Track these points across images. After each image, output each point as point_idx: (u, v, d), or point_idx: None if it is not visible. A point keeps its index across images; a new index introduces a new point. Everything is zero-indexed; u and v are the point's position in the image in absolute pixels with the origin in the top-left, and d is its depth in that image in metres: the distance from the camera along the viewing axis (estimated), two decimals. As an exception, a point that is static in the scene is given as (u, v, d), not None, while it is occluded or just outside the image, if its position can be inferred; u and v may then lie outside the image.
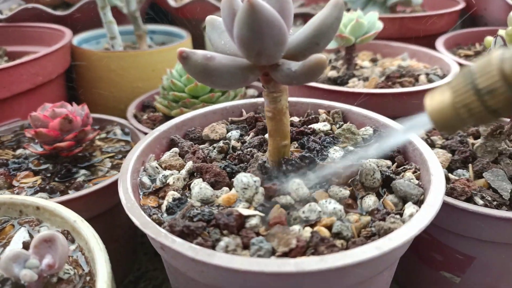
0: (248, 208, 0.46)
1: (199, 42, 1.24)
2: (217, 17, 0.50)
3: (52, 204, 0.50)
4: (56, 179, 0.65)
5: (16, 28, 1.12)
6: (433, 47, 1.04)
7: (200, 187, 0.48)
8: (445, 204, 0.54)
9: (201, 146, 0.60)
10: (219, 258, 0.36)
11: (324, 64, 0.41)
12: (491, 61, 0.32)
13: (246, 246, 0.40)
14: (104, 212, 0.65)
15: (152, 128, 0.79)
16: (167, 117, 0.82)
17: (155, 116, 0.83)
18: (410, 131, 0.43)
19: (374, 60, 1.02)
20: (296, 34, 0.46)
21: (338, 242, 0.41)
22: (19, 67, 0.78)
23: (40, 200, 0.51)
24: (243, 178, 0.46)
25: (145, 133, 0.77)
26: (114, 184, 0.64)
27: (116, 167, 0.71)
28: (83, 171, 0.67)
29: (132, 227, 0.80)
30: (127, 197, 0.46)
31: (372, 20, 0.86)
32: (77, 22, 1.13)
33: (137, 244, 0.86)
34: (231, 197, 0.47)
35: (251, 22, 0.38)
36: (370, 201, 0.47)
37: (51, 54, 0.86)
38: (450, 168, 0.62)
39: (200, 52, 0.43)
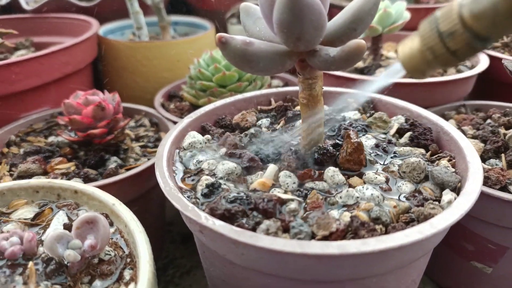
0: (285, 193, 0.46)
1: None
2: (252, 4, 0.51)
3: (90, 188, 0.51)
4: (89, 165, 0.66)
5: (42, 19, 1.13)
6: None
7: (223, 163, 0.49)
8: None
9: (232, 133, 0.60)
10: (262, 239, 0.37)
11: (363, 49, 0.41)
12: (452, 6, 0.35)
13: (286, 230, 0.41)
14: (135, 199, 0.66)
15: (180, 117, 0.79)
16: (194, 106, 0.83)
17: (182, 105, 0.84)
18: (387, 78, 0.46)
19: (399, 51, 1.00)
20: (332, 20, 0.46)
21: (378, 227, 0.41)
22: (50, 56, 0.79)
23: (78, 184, 0.52)
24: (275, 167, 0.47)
25: (174, 122, 0.77)
26: (146, 171, 0.65)
27: (146, 154, 0.72)
28: (114, 158, 0.68)
29: (160, 215, 0.81)
30: (164, 181, 0.47)
31: (399, 10, 0.85)
32: (102, 13, 1.14)
33: (164, 232, 0.87)
34: (266, 182, 0.48)
35: (292, 6, 0.38)
36: (406, 188, 0.47)
37: (80, 44, 0.87)
38: (482, 158, 0.62)
39: (239, 37, 0.43)
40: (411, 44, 0.39)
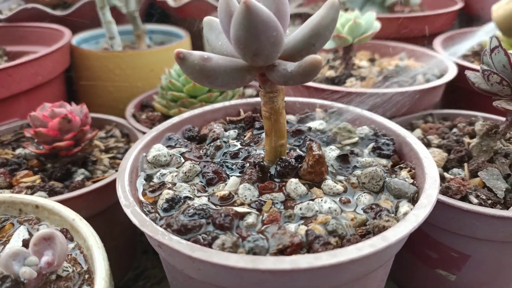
0: (243, 205, 0.46)
1: (198, 42, 1.25)
2: (215, 18, 0.51)
3: (51, 202, 0.51)
4: (55, 178, 0.66)
5: (15, 28, 1.13)
6: (431, 46, 1.05)
7: (185, 177, 0.50)
8: (440, 203, 0.54)
9: (199, 145, 0.60)
10: (215, 255, 0.37)
11: (319, 65, 0.42)
12: None
13: (242, 245, 0.41)
14: (103, 210, 0.65)
15: (151, 128, 0.79)
16: (166, 117, 0.83)
17: (153, 115, 0.84)
18: (480, 36, 0.47)
19: (372, 60, 1.02)
20: (292, 35, 0.46)
21: (333, 240, 0.41)
22: (19, 67, 0.79)
23: (39, 198, 0.52)
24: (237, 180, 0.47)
25: (144, 133, 0.77)
26: (113, 183, 0.64)
27: (115, 166, 0.72)
28: (82, 171, 0.68)
29: (131, 226, 0.80)
30: (125, 196, 0.47)
31: (369, 20, 0.86)
32: (76, 22, 1.13)
33: (136, 243, 0.86)
34: (225, 194, 0.48)
35: (247, 23, 0.39)
36: (365, 199, 0.47)
37: (51, 54, 0.87)
38: (445, 167, 0.63)
39: (196, 53, 0.43)
40: (506, 6, 0.39)
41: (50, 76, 0.88)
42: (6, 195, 0.53)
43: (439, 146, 0.67)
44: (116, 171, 0.68)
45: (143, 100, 0.93)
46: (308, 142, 0.57)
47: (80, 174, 0.67)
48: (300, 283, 0.39)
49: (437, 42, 1.08)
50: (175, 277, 0.49)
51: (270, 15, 0.39)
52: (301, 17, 1.35)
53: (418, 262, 0.66)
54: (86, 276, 0.44)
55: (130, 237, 0.81)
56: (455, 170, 0.61)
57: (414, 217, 0.41)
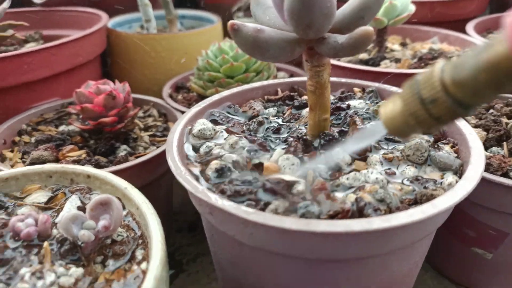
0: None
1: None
2: (261, -6, 0.52)
3: (102, 172, 0.53)
4: (100, 153, 0.68)
5: (51, 12, 1.15)
6: (462, 32, 1.04)
7: (231, 149, 0.51)
8: (481, 179, 0.55)
9: (240, 121, 0.61)
10: (271, 218, 0.38)
11: (371, 36, 0.43)
12: (433, 72, 0.34)
13: (293, 210, 0.42)
14: (144, 186, 0.67)
15: (188, 107, 0.81)
16: (202, 97, 0.84)
17: (190, 96, 0.85)
18: (369, 138, 0.46)
19: (403, 44, 1.02)
20: (341, 9, 0.47)
21: (382, 208, 0.42)
22: (61, 47, 0.81)
23: (91, 168, 0.54)
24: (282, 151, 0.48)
25: (182, 112, 0.79)
26: (155, 158, 0.66)
27: (155, 143, 0.73)
28: (124, 147, 0.70)
29: (168, 203, 0.82)
30: (175, 165, 0.48)
31: (405, 2, 0.86)
32: (110, 6, 1.15)
33: (171, 221, 0.88)
34: (271, 166, 0.49)
35: (302, -6, 0.40)
36: (410, 172, 0.48)
37: (90, 35, 0.89)
38: (484, 146, 0.63)
39: (250, 25, 0.44)
40: (393, 106, 0.38)
41: (89, 57, 0.90)
42: (58, 165, 0.55)
43: (476, 126, 0.67)
44: (157, 148, 0.70)
45: (178, 82, 0.95)
46: (348, 119, 0.58)
47: (123, 150, 0.69)
48: (350, 249, 0.40)
49: (470, 26, 1.07)
50: (221, 246, 0.50)
51: (324, -14, 0.40)
52: None
53: (453, 241, 0.66)
54: (140, 241, 0.46)
55: (166, 214, 0.83)
56: (494, 149, 0.62)
57: (461, 188, 0.42)
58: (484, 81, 0.31)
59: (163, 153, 0.67)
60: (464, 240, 0.64)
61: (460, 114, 0.34)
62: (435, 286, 0.71)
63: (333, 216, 0.41)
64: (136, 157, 0.67)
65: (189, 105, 0.83)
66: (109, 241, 0.46)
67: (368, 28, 0.42)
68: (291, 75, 0.99)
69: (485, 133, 0.64)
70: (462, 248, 0.65)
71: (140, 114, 0.82)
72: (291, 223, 0.38)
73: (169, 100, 0.84)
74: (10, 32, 0.87)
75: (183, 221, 0.90)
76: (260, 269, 0.47)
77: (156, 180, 0.70)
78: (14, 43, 0.98)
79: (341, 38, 0.45)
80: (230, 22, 0.44)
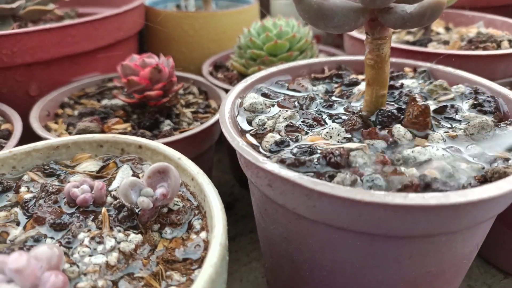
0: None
1: (264, 8, 1.24)
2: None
3: (154, 143, 0.52)
4: (144, 127, 0.67)
5: (88, -10, 1.15)
6: (508, 17, 1.01)
7: (286, 122, 0.49)
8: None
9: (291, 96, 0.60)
10: (341, 189, 0.37)
11: (443, 5, 0.41)
12: None
13: (359, 183, 0.41)
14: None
15: (229, 85, 0.80)
16: (243, 76, 0.83)
17: (230, 74, 0.84)
18: None
19: (447, 29, 0.99)
20: (408, -22, 0.45)
21: (452, 184, 0.40)
22: (104, 21, 0.80)
23: (142, 139, 0.53)
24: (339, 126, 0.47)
25: (223, 89, 0.78)
26: (200, 133, 0.65)
27: (198, 120, 0.72)
28: (168, 122, 0.69)
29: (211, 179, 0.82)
30: (232, 137, 0.47)
31: (454, -17, 0.84)
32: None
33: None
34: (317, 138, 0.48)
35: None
36: (475, 150, 0.46)
37: (131, 11, 0.88)
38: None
39: (316, -9, 0.43)
40: None
41: (130, 33, 0.90)
42: (109, 135, 0.54)
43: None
44: (201, 123, 0.69)
45: (217, 61, 0.93)
46: (404, 97, 0.56)
47: (167, 125, 0.68)
48: (419, 225, 0.39)
49: (517, 11, 1.03)
50: (276, 220, 0.49)
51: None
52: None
53: (503, 228, 0.64)
54: (197, 211, 0.45)
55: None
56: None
57: (537, 166, 0.40)
58: None
59: (207, 129, 0.66)
60: (517, 227, 0.62)
61: None
62: (482, 275, 0.69)
63: (402, 190, 0.39)
64: (181, 132, 0.66)
65: (230, 83, 0.82)
66: (165, 210, 0.45)
67: (442, -4, 0.40)
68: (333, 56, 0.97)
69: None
70: (513, 235, 0.63)
71: (181, 91, 0.82)
72: (362, 194, 0.36)
73: (210, 78, 0.82)
74: (51, 6, 0.87)
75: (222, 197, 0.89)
76: (318, 244, 0.46)
77: (199, 156, 0.69)
78: (53, 18, 0.98)
79: (409, 8, 0.43)
80: (296, -12, 0.42)
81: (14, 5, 0.78)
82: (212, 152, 0.72)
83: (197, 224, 0.43)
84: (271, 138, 0.48)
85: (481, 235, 0.48)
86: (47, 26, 0.72)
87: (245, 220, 0.84)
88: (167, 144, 0.61)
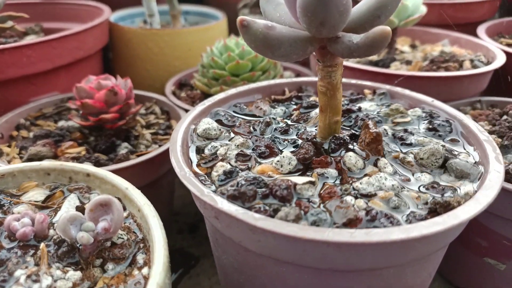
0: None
1: (233, 24, 1.23)
2: (272, -10, 0.50)
3: (102, 171, 0.51)
4: (100, 150, 0.65)
5: (52, 4, 1.12)
6: (472, 35, 1.02)
7: (237, 150, 0.48)
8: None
9: (247, 121, 0.59)
10: (280, 225, 0.36)
11: (388, 36, 0.40)
12: None
13: (303, 217, 0.40)
14: (145, 186, 0.65)
15: (192, 105, 0.78)
16: (206, 95, 0.82)
17: (194, 93, 0.83)
18: None
19: (413, 46, 1.00)
20: (356, 6, 0.45)
21: (396, 217, 0.40)
22: (62, 40, 0.78)
23: (91, 167, 0.51)
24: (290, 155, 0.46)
25: (185, 110, 0.77)
26: (157, 157, 0.64)
27: (157, 142, 0.71)
28: (125, 144, 0.68)
29: (169, 204, 0.80)
30: (179, 166, 0.46)
31: (416, 3, 0.84)
32: (113, 0, 1.13)
33: (171, 222, 0.86)
34: (266, 168, 0.47)
35: (319, -10, 0.37)
36: (425, 178, 0.46)
37: (92, 29, 0.86)
38: (499, 153, 0.61)
39: (261, 21, 0.42)
40: None
41: (90, 51, 0.88)
42: (56, 162, 0.52)
43: (490, 133, 0.65)
44: (159, 146, 0.68)
45: (181, 79, 0.92)
46: (360, 121, 0.56)
47: (123, 148, 0.67)
48: (364, 259, 0.38)
49: (481, 30, 1.04)
50: (226, 251, 0.48)
51: (343, -19, 0.38)
52: None
53: (465, 251, 0.64)
54: (141, 245, 0.44)
55: (168, 215, 0.81)
56: (509, 156, 0.60)
57: (483, 197, 0.40)
58: None
59: (165, 152, 0.65)
60: (476, 250, 0.62)
61: None
62: (443, 296, 0.69)
63: (347, 224, 0.39)
64: (138, 156, 0.64)
65: (193, 103, 0.81)
66: (108, 243, 0.43)
67: (386, 28, 0.39)
68: (298, 75, 0.96)
69: (499, 140, 0.62)
70: (474, 258, 0.63)
71: (142, 111, 0.80)
72: (304, 231, 0.35)
73: (172, 98, 0.81)
74: (9, 23, 0.85)
75: (183, 222, 0.88)
76: (267, 277, 0.45)
77: (158, 180, 0.68)
78: (13, 35, 0.96)
79: (356, 38, 0.42)
80: (239, 18, 0.41)
81: (-32, 24, 0.75)
82: (173, 176, 0.71)
83: (140, 258, 0.42)
84: (221, 167, 0.47)
85: (434, 264, 0.47)
86: (1, 46, 0.70)
87: (208, 242, 0.83)
88: (122, 169, 0.60)
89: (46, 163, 0.52)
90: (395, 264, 0.40)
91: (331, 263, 0.38)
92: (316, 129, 0.55)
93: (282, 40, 0.43)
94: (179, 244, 0.82)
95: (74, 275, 0.39)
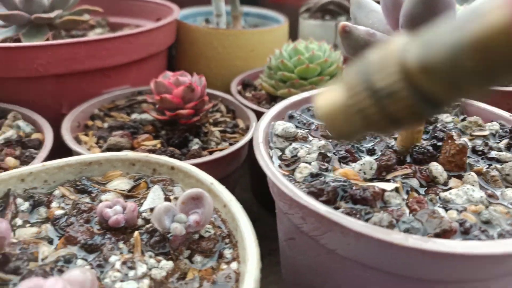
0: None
1: (293, 28, 1.24)
2: (363, -3, 0.50)
3: (186, 165, 0.52)
4: (173, 144, 0.67)
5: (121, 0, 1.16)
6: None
7: (318, 152, 0.49)
8: None
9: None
10: (379, 231, 0.36)
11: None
12: (390, 51, 0.23)
13: (395, 225, 0.40)
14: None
15: (258, 105, 0.80)
16: (271, 96, 0.83)
17: (259, 94, 0.84)
18: None
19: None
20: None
21: (489, 231, 0.40)
22: (139, 36, 0.81)
23: (175, 160, 0.53)
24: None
25: (252, 109, 0.78)
26: (229, 155, 0.65)
27: (226, 139, 0.72)
28: (196, 140, 0.69)
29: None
30: (266, 164, 0.47)
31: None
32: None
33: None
34: (349, 172, 0.48)
35: (428, 1, 0.38)
36: (511, 193, 0.46)
37: (165, 26, 0.89)
38: None
39: (362, 28, 0.43)
40: (333, 97, 0.27)
41: (161, 47, 0.91)
42: (141, 154, 0.54)
43: None
44: (230, 144, 0.69)
45: (245, 79, 0.94)
46: (438, 132, 0.56)
47: (195, 144, 0.68)
48: (456, 271, 0.38)
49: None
50: (304, 251, 0.49)
51: (452, -6, 0.38)
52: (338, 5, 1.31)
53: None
54: (227, 240, 0.45)
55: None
56: None
57: None
58: (470, 66, 0.21)
59: (237, 151, 0.66)
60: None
61: (426, 113, 0.25)
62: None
63: (440, 234, 0.39)
64: (210, 152, 0.66)
65: (259, 103, 0.82)
66: (196, 236, 0.45)
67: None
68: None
69: None
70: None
71: (209, 108, 0.82)
72: (403, 239, 0.36)
73: (239, 97, 0.83)
74: (86, 17, 0.88)
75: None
76: (346, 280, 0.45)
77: (226, 178, 0.69)
78: (85, 27, 1.00)
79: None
80: (341, 24, 0.42)
81: (52, 15, 0.79)
82: (238, 174, 0.72)
83: (228, 253, 0.43)
84: (305, 169, 0.48)
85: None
86: (84, 39, 0.73)
87: (264, 241, 0.83)
88: (197, 165, 0.61)
89: (132, 154, 0.54)
90: (481, 278, 0.40)
91: (418, 272, 0.39)
92: (389, 138, 0.55)
93: (381, 47, 0.43)
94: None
95: (166, 264, 0.41)
